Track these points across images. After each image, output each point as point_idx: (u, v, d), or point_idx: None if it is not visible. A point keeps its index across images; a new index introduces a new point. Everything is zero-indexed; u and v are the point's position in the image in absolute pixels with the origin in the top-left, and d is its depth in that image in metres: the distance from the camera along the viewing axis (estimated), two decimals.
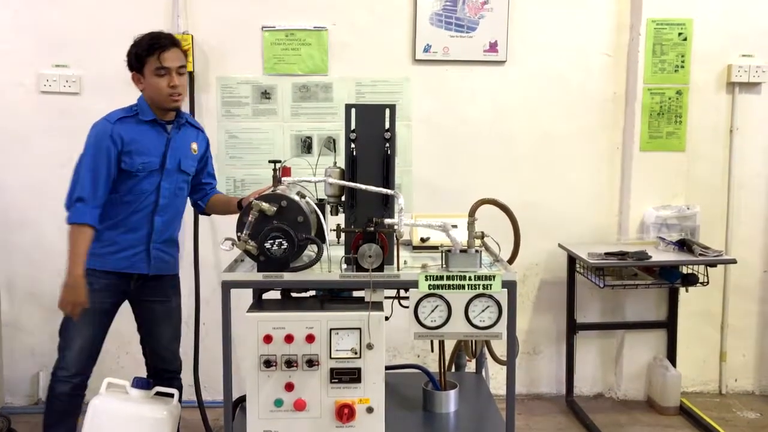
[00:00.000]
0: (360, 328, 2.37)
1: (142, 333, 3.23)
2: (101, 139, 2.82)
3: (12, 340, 4.01)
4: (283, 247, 2.37)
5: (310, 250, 2.52)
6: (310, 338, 2.37)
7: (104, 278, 2.95)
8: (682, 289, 3.94)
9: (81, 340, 2.97)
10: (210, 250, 3.97)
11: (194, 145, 3.08)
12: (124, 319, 4.03)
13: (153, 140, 2.91)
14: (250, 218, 2.39)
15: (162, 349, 3.20)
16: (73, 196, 2.84)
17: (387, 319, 2.45)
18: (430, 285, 2.41)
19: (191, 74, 3.85)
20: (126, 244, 2.94)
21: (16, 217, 3.95)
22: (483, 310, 2.42)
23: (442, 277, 2.41)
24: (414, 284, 2.41)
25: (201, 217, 3.93)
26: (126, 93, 3.87)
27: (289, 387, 2.38)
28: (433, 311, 2.42)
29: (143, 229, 2.95)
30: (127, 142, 2.84)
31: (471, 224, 2.57)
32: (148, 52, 2.83)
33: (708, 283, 3.79)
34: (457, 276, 2.41)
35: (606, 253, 3.67)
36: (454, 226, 2.52)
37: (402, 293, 2.64)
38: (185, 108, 3.90)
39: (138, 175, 2.87)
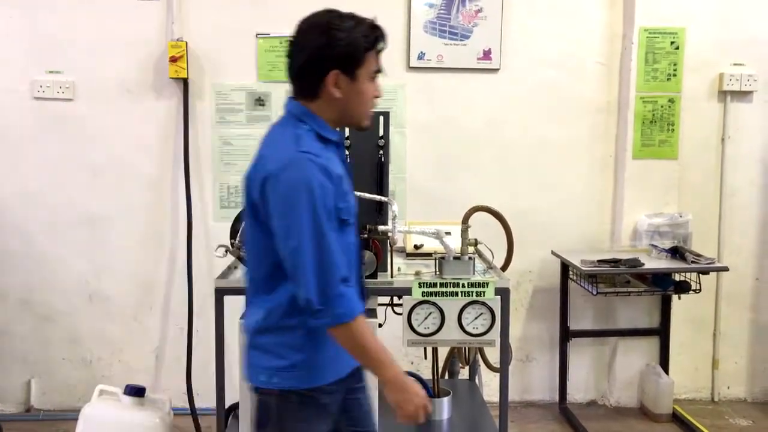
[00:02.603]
0: None
1: None
2: (321, 187, 1.77)
3: (3, 347, 3.98)
4: None
5: None
6: None
7: (326, 395, 1.91)
8: (674, 297, 3.95)
9: None
10: (203, 257, 3.96)
11: None
12: (118, 325, 4.03)
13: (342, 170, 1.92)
14: (243, 225, 2.39)
15: None
16: (330, 280, 1.76)
17: (380, 325, 2.45)
18: (423, 292, 2.42)
19: (185, 81, 3.86)
20: None
21: (8, 223, 3.93)
22: (476, 317, 2.43)
23: (435, 284, 2.42)
24: (407, 291, 2.42)
25: (194, 223, 3.93)
26: (120, 100, 3.91)
27: None
28: (426, 318, 2.43)
29: (362, 299, 1.92)
30: (337, 180, 1.83)
31: (464, 231, 2.58)
32: (373, 44, 1.86)
33: (700, 290, 3.79)
34: (450, 283, 2.42)
35: (599, 261, 3.68)
36: (448, 233, 2.53)
37: (395, 300, 2.64)
38: (180, 114, 3.91)
39: (349, 222, 1.90)
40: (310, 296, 1.74)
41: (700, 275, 3.77)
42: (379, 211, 2.57)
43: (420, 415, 1.87)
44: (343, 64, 1.82)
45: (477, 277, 2.47)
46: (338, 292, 1.75)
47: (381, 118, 2.58)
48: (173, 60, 3.78)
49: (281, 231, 1.77)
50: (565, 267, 3.97)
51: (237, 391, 2.41)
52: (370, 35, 1.84)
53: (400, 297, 2.50)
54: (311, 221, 1.74)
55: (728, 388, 4.30)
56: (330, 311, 1.74)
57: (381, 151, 2.57)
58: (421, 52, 3.96)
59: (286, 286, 1.82)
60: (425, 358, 3.27)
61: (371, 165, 2.57)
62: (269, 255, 1.82)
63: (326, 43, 1.81)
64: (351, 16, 1.86)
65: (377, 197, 2.52)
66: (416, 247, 2.92)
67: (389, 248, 2.53)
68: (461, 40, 3.97)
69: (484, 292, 2.42)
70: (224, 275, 2.56)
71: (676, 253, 3.78)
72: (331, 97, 1.85)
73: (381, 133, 2.58)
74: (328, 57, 1.81)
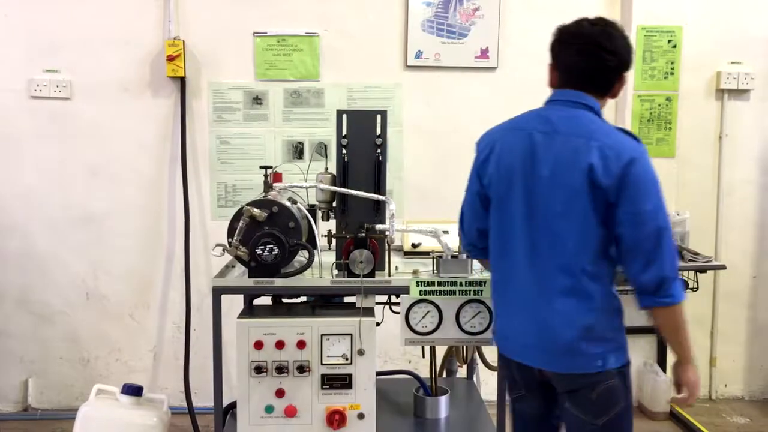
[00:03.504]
0: (351, 334, 2.37)
1: None
2: None
3: (0, 347, 3.98)
4: (274, 252, 2.36)
5: (302, 256, 2.52)
6: (301, 344, 2.36)
7: None
8: None
9: None
10: (201, 256, 3.96)
11: None
12: (115, 324, 4.03)
13: None
14: (241, 224, 2.39)
15: None
16: (677, 263, 1.97)
17: (378, 324, 2.45)
18: (421, 291, 2.41)
19: (183, 79, 3.85)
20: None
21: (5, 223, 3.92)
22: (474, 316, 2.43)
23: (433, 283, 2.42)
24: (405, 290, 2.42)
25: (192, 222, 3.93)
26: (118, 98, 3.90)
27: (280, 393, 2.38)
28: (424, 317, 2.42)
29: None
30: None
31: None
32: None
33: (698, 288, 3.80)
34: (448, 282, 2.42)
35: None
36: (446, 232, 2.52)
37: (393, 299, 2.64)
38: (178, 113, 3.91)
39: None
40: (667, 275, 1.92)
41: (698, 273, 3.78)
42: (377, 210, 2.56)
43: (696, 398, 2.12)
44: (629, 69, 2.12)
45: (475, 276, 2.47)
46: (678, 275, 1.96)
47: (378, 117, 2.58)
48: (170, 59, 3.78)
49: (643, 214, 1.92)
50: None
51: (234, 389, 2.41)
52: None
53: (397, 296, 2.49)
54: (665, 207, 1.97)
55: (725, 386, 4.31)
56: (677, 291, 1.94)
57: (378, 150, 2.57)
58: (419, 51, 3.96)
59: (609, 269, 2.03)
60: (423, 356, 3.26)
61: (369, 164, 2.57)
62: (601, 242, 1.97)
63: (629, 51, 2.12)
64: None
65: (375, 196, 2.52)
66: (414, 245, 2.92)
67: (387, 247, 2.52)
68: (458, 39, 3.97)
69: (481, 290, 2.42)
70: (222, 274, 2.55)
71: None
72: (614, 95, 2.12)
73: (378, 132, 2.57)
74: (630, 62, 2.12)
